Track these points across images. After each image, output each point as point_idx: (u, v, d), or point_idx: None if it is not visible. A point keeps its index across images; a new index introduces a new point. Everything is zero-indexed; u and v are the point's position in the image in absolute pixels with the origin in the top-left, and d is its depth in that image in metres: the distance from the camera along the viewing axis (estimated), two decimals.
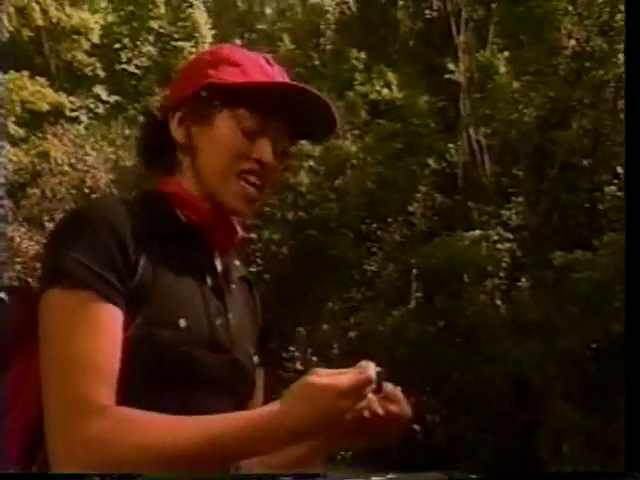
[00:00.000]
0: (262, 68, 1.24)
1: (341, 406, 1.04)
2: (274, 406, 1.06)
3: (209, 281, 1.23)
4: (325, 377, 1.05)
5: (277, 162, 1.24)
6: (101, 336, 1.10)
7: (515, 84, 13.92)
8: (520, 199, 13.38)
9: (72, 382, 1.08)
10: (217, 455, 1.07)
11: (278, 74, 1.25)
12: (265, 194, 1.25)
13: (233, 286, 1.29)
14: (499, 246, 12.92)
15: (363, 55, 15.56)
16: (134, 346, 1.12)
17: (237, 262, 1.33)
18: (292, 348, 13.79)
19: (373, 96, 15.13)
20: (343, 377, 1.05)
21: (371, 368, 1.07)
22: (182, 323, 1.16)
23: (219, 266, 1.27)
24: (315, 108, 1.21)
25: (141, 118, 1.35)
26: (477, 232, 13.07)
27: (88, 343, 1.09)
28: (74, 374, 1.08)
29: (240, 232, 1.29)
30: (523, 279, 12.49)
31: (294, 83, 1.21)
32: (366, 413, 1.12)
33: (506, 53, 14.25)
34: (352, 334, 13.56)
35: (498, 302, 12.57)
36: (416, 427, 12.18)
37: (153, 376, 1.13)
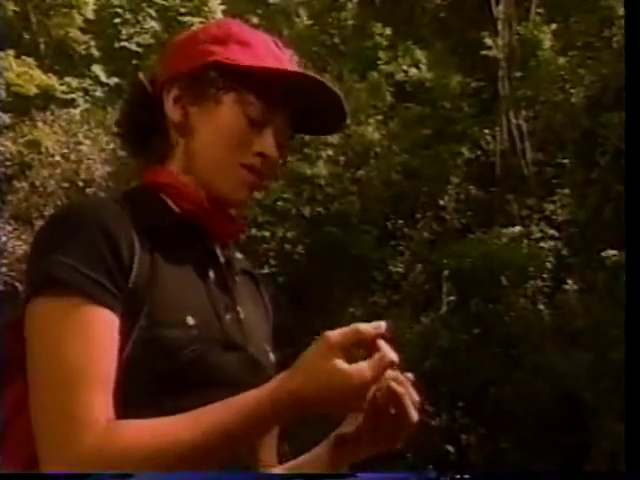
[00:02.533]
0: (273, 52, 1.25)
1: (357, 398, 1.07)
2: (283, 384, 1.06)
3: (212, 275, 1.23)
4: (349, 366, 1.05)
5: (278, 155, 1.26)
6: (93, 343, 1.08)
7: (561, 60, 13.37)
8: (566, 191, 12.92)
9: (63, 395, 1.06)
10: (227, 440, 1.07)
11: (288, 60, 1.27)
12: (263, 186, 1.27)
13: (237, 279, 1.29)
14: (542, 244, 12.56)
15: (388, 31, 14.99)
16: (140, 350, 1.11)
17: (239, 255, 1.34)
18: None
19: (399, 76, 14.61)
20: (365, 367, 1.05)
21: (388, 348, 1.09)
22: (190, 321, 1.15)
23: (221, 258, 1.26)
24: (324, 101, 1.24)
25: (129, 90, 1.31)
26: (517, 228, 12.72)
27: (79, 352, 1.08)
28: (65, 387, 1.06)
29: (238, 223, 1.30)
30: (570, 281, 12.04)
31: (307, 73, 1.24)
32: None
33: (552, 25, 13.70)
34: None
35: (541, 307, 12.20)
36: (449, 448, 11.96)
37: (163, 380, 1.11)
